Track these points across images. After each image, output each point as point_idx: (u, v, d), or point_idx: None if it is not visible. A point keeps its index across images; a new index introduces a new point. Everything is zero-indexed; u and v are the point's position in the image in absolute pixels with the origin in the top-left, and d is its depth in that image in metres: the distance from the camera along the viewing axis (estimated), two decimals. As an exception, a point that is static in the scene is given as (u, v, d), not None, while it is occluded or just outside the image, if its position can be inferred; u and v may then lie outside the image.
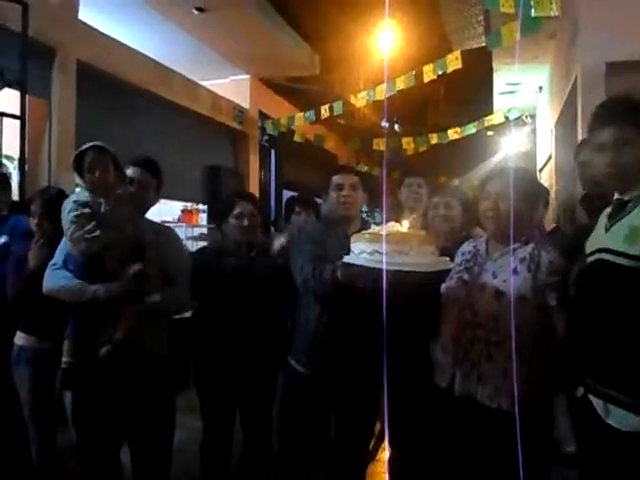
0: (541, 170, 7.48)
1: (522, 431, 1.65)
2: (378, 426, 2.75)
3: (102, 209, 2.09)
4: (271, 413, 2.63)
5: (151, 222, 2.40)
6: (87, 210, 2.06)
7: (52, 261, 2.17)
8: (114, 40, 5.06)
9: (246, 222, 2.59)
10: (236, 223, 2.60)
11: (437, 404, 2.05)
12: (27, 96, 3.89)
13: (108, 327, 2.07)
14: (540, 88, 7.42)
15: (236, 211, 2.61)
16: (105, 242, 2.05)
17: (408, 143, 8.11)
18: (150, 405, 2.20)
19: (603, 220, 1.70)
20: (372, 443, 2.81)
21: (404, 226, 1.85)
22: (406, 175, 3.10)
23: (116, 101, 5.14)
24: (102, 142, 2.14)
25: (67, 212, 2.07)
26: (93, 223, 2.03)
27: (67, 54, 4.44)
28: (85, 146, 2.10)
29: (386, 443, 3.33)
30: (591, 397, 1.60)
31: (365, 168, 9.37)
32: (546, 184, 5.74)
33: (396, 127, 12.37)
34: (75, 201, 2.08)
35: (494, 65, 6.62)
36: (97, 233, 2.02)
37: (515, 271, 1.90)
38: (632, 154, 1.58)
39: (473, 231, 2.68)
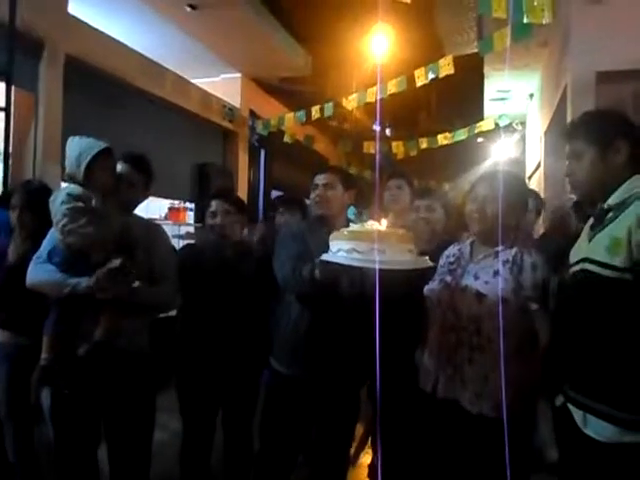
0: (530, 177, 7.53)
1: (503, 436, 1.65)
2: (360, 430, 2.74)
3: (94, 204, 2.08)
4: (253, 414, 2.62)
5: (139, 218, 2.39)
6: (80, 204, 2.05)
7: (37, 254, 2.15)
8: (104, 35, 5.01)
9: (219, 220, 2.57)
10: (210, 221, 2.60)
11: (421, 408, 2.05)
12: (13, 88, 3.84)
13: (89, 324, 2.05)
14: (531, 95, 7.48)
15: (211, 209, 2.61)
16: (96, 237, 2.04)
17: (398, 147, 8.12)
18: (130, 404, 2.18)
19: (586, 230, 1.71)
20: (353, 447, 2.80)
21: (383, 225, 1.85)
22: (388, 177, 3.13)
23: (105, 96, 5.09)
24: (90, 137, 2.14)
25: (59, 204, 2.05)
26: (86, 218, 2.03)
27: (55, 47, 4.39)
28: (99, 147, 2.10)
29: (368, 446, 3.33)
30: (570, 406, 1.61)
31: (355, 170, 9.37)
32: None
33: (387, 131, 12.42)
34: (69, 193, 2.07)
35: (485, 71, 6.67)
36: (89, 229, 2.02)
37: (497, 273, 1.91)
38: (585, 164, 1.65)
39: (461, 236, 2.69)
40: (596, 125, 1.67)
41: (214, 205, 2.61)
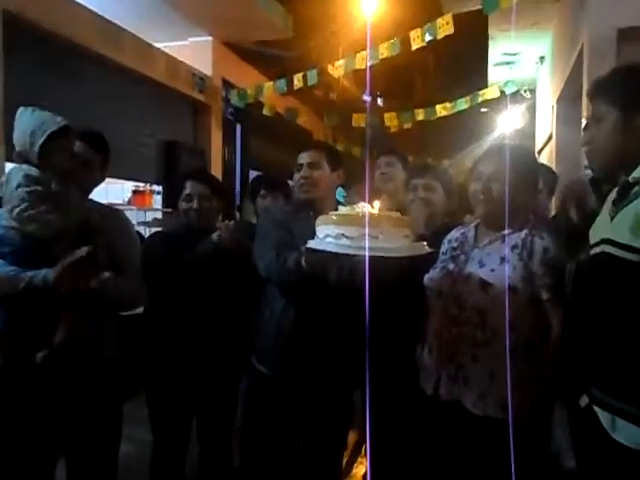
0: (540, 151, 7.56)
1: (513, 441, 1.65)
2: (353, 437, 2.76)
3: (53, 188, 2.05)
4: (232, 423, 2.62)
5: (97, 204, 2.37)
6: (40, 187, 2.02)
7: None
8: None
9: (196, 204, 2.56)
10: (185, 206, 2.58)
11: (421, 411, 2.05)
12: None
13: (46, 325, 2.02)
14: (541, 59, 7.48)
15: (185, 192, 2.59)
16: (59, 225, 2.01)
17: (391, 119, 8.09)
18: (92, 414, 2.16)
19: (608, 205, 1.70)
20: (346, 457, 2.81)
21: (375, 207, 1.83)
22: (379, 154, 3.12)
23: (54, 62, 4.98)
24: (37, 108, 2.09)
25: (15, 187, 2.02)
26: (48, 203, 2.00)
27: (-8, 4, 4.28)
28: (57, 124, 2.05)
29: (362, 456, 3.35)
30: (596, 409, 1.59)
31: (343, 146, 9.36)
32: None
33: (379, 101, 12.39)
34: (27, 175, 2.03)
35: (490, 32, 6.64)
36: (52, 215, 2.00)
37: (504, 259, 1.90)
38: (607, 130, 1.59)
39: (463, 219, 2.68)
40: (621, 83, 1.61)
41: (189, 187, 2.59)
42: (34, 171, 2.05)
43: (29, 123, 2.06)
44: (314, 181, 2.37)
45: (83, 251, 2.00)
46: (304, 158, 2.39)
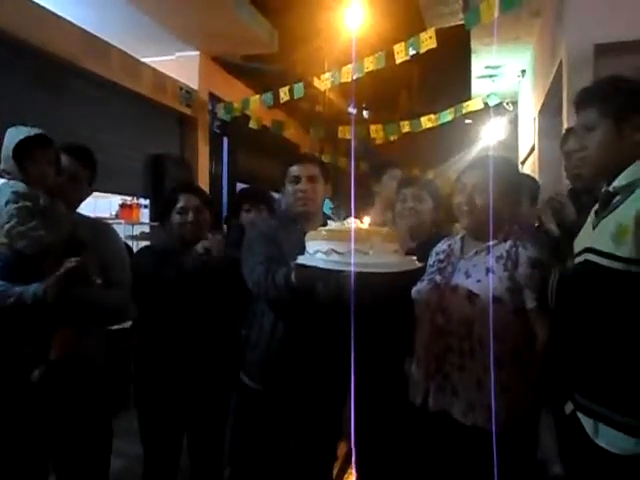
0: (523, 162, 7.64)
1: (502, 450, 1.67)
2: (343, 449, 2.75)
3: (41, 203, 2.05)
4: (223, 438, 2.60)
5: (85, 217, 2.37)
6: (28, 203, 2.02)
7: None
8: (38, 5, 4.89)
9: (191, 217, 2.56)
10: (179, 219, 2.57)
11: (411, 423, 2.06)
12: None
13: (38, 341, 2.01)
14: (523, 72, 7.57)
15: (179, 205, 2.58)
16: (49, 241, 2.01)
17: (377, 131, 8.13)
18: (82, 429, 2.15)
19: (592, 215, 1.73)
20: (336, 468, 2.80)
21: (365, 222, 1.84)
22: (386, 166, 3.13)
23: (40, 77, 4.96)
24: (19, 124, 2.10)
25: (5, 203, 2.02)
26: (37, 219, 2.00)
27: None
28: (27, 133, 2.05)
29: (352, 468, 3.34)
30: (580, 415, 1.62)
31: (329, 158, 9.38)
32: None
33: (364, 113, 12.47)
34: (15, 191, 2.03)
35: (472, 46, 6.72)
36: (42, 231, 1.99)
37: (490, 270, 1.92)
38: (598, 138, 1.63)
39: (451, 229, 2.71)
40: (613, 94, 1.64)
41: (183, 200, 2.59)
42: (22, 187, 2.04)
43: (9, 138, 2.06)
44: (312, 194, 2.36)
45: (73, 262, 2.00)
46: (301, 171, 2.36)
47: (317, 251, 1.78)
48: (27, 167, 2.05)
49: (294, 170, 2.37)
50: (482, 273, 1.94)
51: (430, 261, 2.16)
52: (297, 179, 2.35)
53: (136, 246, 5.53)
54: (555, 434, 1.87)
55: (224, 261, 2.51)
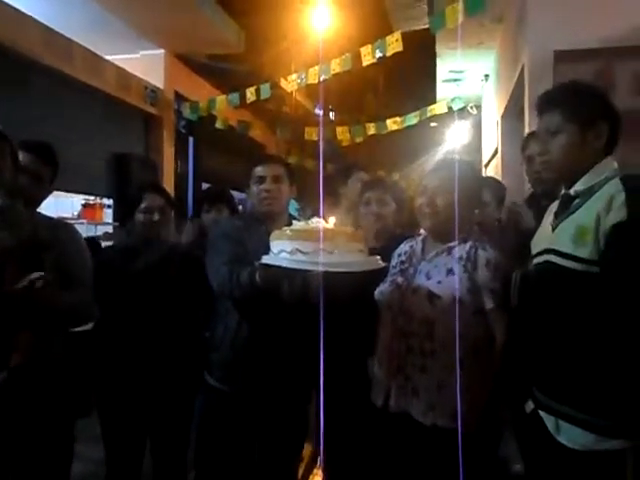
0: (487, 165, 7.76)
1: (463, 449, 1.68)
2: (308, 449, 2.75)
3: None
4: (186, 440, 2.58)
5: (45, 217, 2.30)
6: None
7: None
8: (-2, 1, 4.79)
9: (156, 217, 2.54)
10: (144, 218, 2.55)
11: (373, 423, 2.07)
12: None
13: (0, 348, 1.95)
14: (486, 76, 7.69)
15: (143, 205, 2.55)
16: (6, 243, 1.94)
17: (343, 133, 8.16)
18: (42, 434, 2.09)
19: (550, 217, 1.76)
20: (301, 469, 2.80)
21: (330, 222, 1.85)
22: (352, 168, 3.14)
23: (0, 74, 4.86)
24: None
25: None
26: None
27: None
28: None
29: (318, 468, 3.35)
30: (541, 413, 1.65)
31: (295, 160, 9.39)
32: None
33: (331, 115, 12.51)
34: None
35: (437, 50, 6.79)
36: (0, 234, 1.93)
37: (451, 271, 1.95)
38: (562, 142, 1.65)
39: (416, 231, 2.73)
40: (578, 100, 1.67)
41: (148, 200, 2.56)
42: None
43: None
44: (277, 194, 2.36)
45: (35, 278, 1.94)
46: (266, 171, 2.36)
47: (281, 251, 1.77)
48: None
49: (259, 170, 2.37)
50: (443, 274, 1.96)
51: (393, 262, 2.17)
52: (262, 179, 2.35)
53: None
54: (513, 433, 1.90)
55: (187, 262, 2.48)
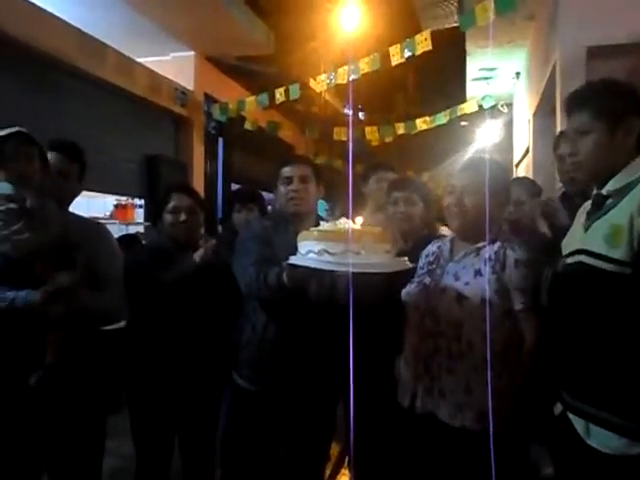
0: (518, 165, 7.66)
1: (491, 452, 1.66)
2: (336, 449, 2.75)
3: (28, 204, 2.02)
4: (214, 438, 2.60)
5: (76, 217, 2.34)
6: (13, 205, 1.99)
7: None
8: (34, 5, 4.89)
9: (183, 217, 2.55)
10: (171, 219, 2.56)
11: (400, 424, 2.06)
12: None
13: (35, 346, 1.99)
14: (517, 74, 7.60)
15: (171, 205, 2.56)
16: (35, 244, 1.99)
17: (372, 133, 8.13)
18: (75, 429, 2.14)
19: (582, 217, 1.73)
20: (329, 469, 2.81)
21: (357, 222, 1.84)
22: (375, 168, 3.12)
23: (35, 77, 4.96)
24: (19, 126, 2.07)
25: None
26: (22, 222, 1.97)
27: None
28: (5, 132, 2.03)
29: (345, 468, 3.35)
30: (570, 415, 1.62)
31: (324, 160, 9.39)
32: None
33: (360, 115, 12.48)
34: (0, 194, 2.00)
35: (467, 48, 6.74)
36: (27, 235, 1.97)
37: (479, 272, 1.93)
38: (591, 142, 1.62)
39: (435, 229, 2.71)
40: (605, 97, 1.64)
41: (175, 200, 2.57)
42: (7, 188, 2.02)
43: None
44: (305, 195, 2.36)
45: (65, 278, 1.98)
46: (294, 171, 2.36)
47: (309, 251, 1.78)
48: (8, 166, 2.02)
49: (286, 171, 2.38)
50: (470, 275, 1.94)
51: (420, 263, 2.16)
52: (289, 180, 2.36)
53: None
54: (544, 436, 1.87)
55: (217, 268, 2.50)
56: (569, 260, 1.67)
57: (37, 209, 2.04)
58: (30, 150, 2.07)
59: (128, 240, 4.57)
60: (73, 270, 2.03)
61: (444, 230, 2.85)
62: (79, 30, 5.45)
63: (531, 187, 3.14)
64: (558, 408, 1.68)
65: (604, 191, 1.63)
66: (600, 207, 1.64)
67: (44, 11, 5.02)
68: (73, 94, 5.46)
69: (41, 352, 2.01)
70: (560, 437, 1.68)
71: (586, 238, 1.63)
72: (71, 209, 2.35)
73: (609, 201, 1.61)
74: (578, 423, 1.59)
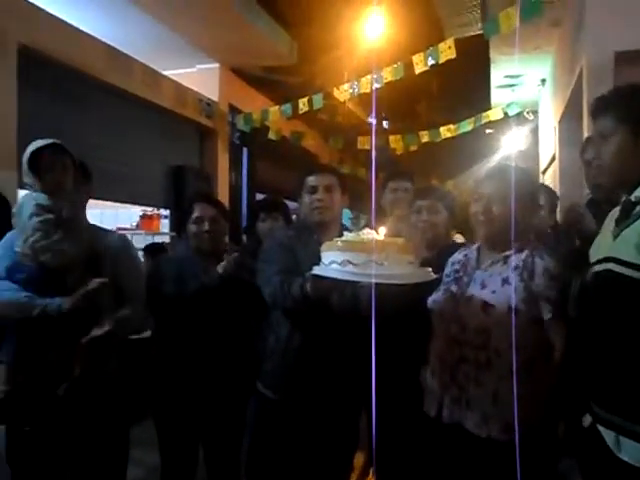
0: (544, 172, 7.57)
1: (520, 462, 1.64)
2: (360, 460, 2.73)
3: (64, 214, 2.06)
4: (239, 448, 2.60)
5: (99, 229, 2.37)
6: (51, 216, 2.03)
7: None
8: (63, 22, 5.00)
9: (207, 227, 2.55)
10: (195, 229, 2.57)
11: (426, 434, 2.04)
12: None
13: (64, 355, 2.02)
14: (543, 81, 7.52)
15: (195, 215, 2.57)
16: (71, 254, 2.03)
17: (396, 141, 8.12)
18: (99, 439, 2.16)
19: (610, 224, 1.70)
20: (353, 479, 2.78)
21: (380, 233, 1.84)
22: (390, 177, 3.11)
23: (65, 91, 5.07)
24: (50, 138, 2.12)
25: (29, 216, 2.03)
26: (60, 232, 2.02)
27: (6, 37, 4.35)
28: (40, 143, 2.07)
29: (370, 478, 3.31)
30: (600, 428, 1.58)
31: (348, 169, 9.39)
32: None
33: (384, 124, 12.46)
34: (38, 204, 2.04)
35: (492, 56, 6.70)
36: (66, 245, 2.02)
37: (506, 280, 1.90)
38: (615, 146, 1.60)
39: (450, 236, 2.70)
40: (631, 101, 1.61)
41: (198, 210, 2.58)
42: (44, 199, 2.06)
43: (27, 150, 2.09)
44: (329, 204, 2.35)
45: (96, 284, 2.01)
46: (318, 181, 2.36)
47: (332, 262, 1.77)
48: (44, 177, 2.06)
49: (311, 180, 2.37)
50: (498, 284, 1.92)
51: (446, 271, 2.14)
52: (314, 189, 2.35)
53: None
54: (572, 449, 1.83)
55: (239, 279, 2.50)
56: (597, 268, 1.64)
57: (72, 220, 2.08)
58: (64, 161, 2.11)
59: (154, 249, 4.62)
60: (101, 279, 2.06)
61: (458, 238, 2.83)
62: (108, 45, 5.56)
63: (549, 193, 3.11)
64: (587, 420, 1.64)
65: (633, 197, 1.60)
66: (629, 213, 1.61)
67: (73, 28, 5.13)
68: (101, 107, 5.56)
69: (70, 362, 2.03)
70: (590, 450, 1.65)
71: (615, 245, 1.60)
72: (100, 220, 2.39)
73: (638, 208, 1.58)
74: (608, 435, 1.55)
